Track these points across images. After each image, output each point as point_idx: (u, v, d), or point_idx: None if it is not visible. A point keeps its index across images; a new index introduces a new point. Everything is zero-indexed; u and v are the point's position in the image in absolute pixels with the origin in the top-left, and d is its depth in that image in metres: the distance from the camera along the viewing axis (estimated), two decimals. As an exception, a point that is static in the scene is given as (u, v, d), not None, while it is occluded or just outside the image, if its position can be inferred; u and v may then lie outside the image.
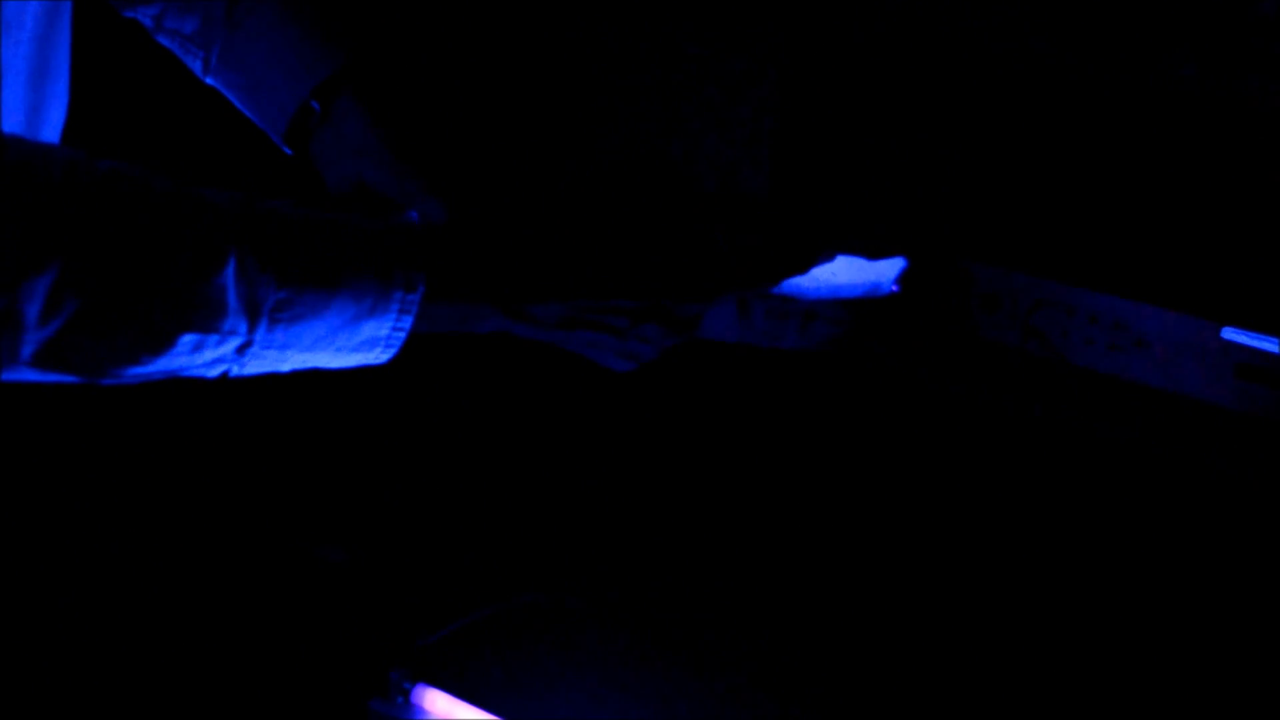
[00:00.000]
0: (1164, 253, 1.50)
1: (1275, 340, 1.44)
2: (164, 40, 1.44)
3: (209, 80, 1.43)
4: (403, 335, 1.13)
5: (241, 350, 1.08)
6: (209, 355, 1.08)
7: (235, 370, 1.10)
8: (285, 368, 1.13)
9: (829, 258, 1.39)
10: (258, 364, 1.11)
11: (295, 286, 1.08)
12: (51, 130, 1.28)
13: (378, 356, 1.14)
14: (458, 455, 1.75)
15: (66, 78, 1.29)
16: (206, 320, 1.06)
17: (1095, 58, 1.50)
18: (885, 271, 1.44)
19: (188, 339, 1.06)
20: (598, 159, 1.72)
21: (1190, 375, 1.48)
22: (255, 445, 1.77)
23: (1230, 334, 1.46)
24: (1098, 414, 1.53)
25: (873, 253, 1.42)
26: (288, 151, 1.41)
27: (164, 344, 1.05)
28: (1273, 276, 1.44)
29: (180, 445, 1.74)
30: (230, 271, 1.05)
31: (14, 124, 1.21)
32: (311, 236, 1.10)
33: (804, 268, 1.36)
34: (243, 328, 1.07)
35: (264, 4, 1.39)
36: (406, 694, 1.49)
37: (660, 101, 1.70)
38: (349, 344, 1.12)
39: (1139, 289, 1.51)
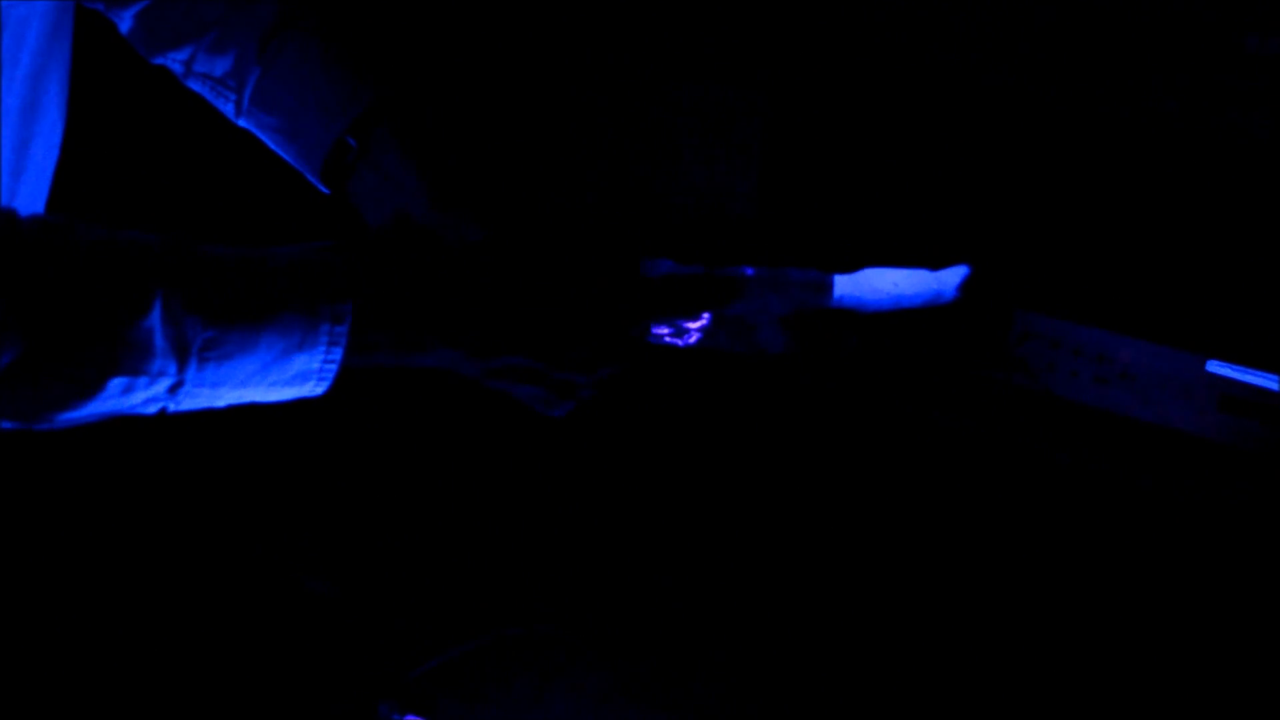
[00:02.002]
0: (1149, 286, 1.51)
1: (1259, 373, 1.45)
2: (194, 85, 1.43)
3: (241, 122, 1.42)
4: (334, 367, 1.13)
5: (173, 390, 1.09)
6: (140, 397, 1.08)
7: (171, 407, 1.10)
8: (221, 403, 1.13)
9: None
10: (192, 401, 1.11)
11: (222, 325, 1.08)
12: (37, 166, 1.28)
13: (312, 389, 1.14)
14: (446, 486, 1.75)
15: (61, 113, 1.29)
16: (135, 363, 1.06)
17: (1080, 92, 1.51)
18: (948, 280, 1.43)
19: (117, 382, 1.06)
20: (587, 186, 1.73)
21: (1175, 408, 1.49)
22: (241, 477, 1.76)
23: (1215, 367, 1.47)
24: (1083, 446, 1.53)
25: (935, 262, 1.42)
26: (325, 190, 1.40)
27: (94, 389, 1.06)
28: (1257, 310, 1.45)
29: (165, 475, 1.74)
30: (157, 314, 1.05)
31: (3, 160, 1.22)
32: (237, 275, 1.10)
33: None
34: (172, 369, 1.07)
35: (296, 41, 1.38)
36: (395, 726, 1.50)
37: (651, 132, 1.71)
38: (282, 378, 1.13)
39: (1124, 322, 1.51)
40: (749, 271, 1.37)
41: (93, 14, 1.42)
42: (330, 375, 1.14)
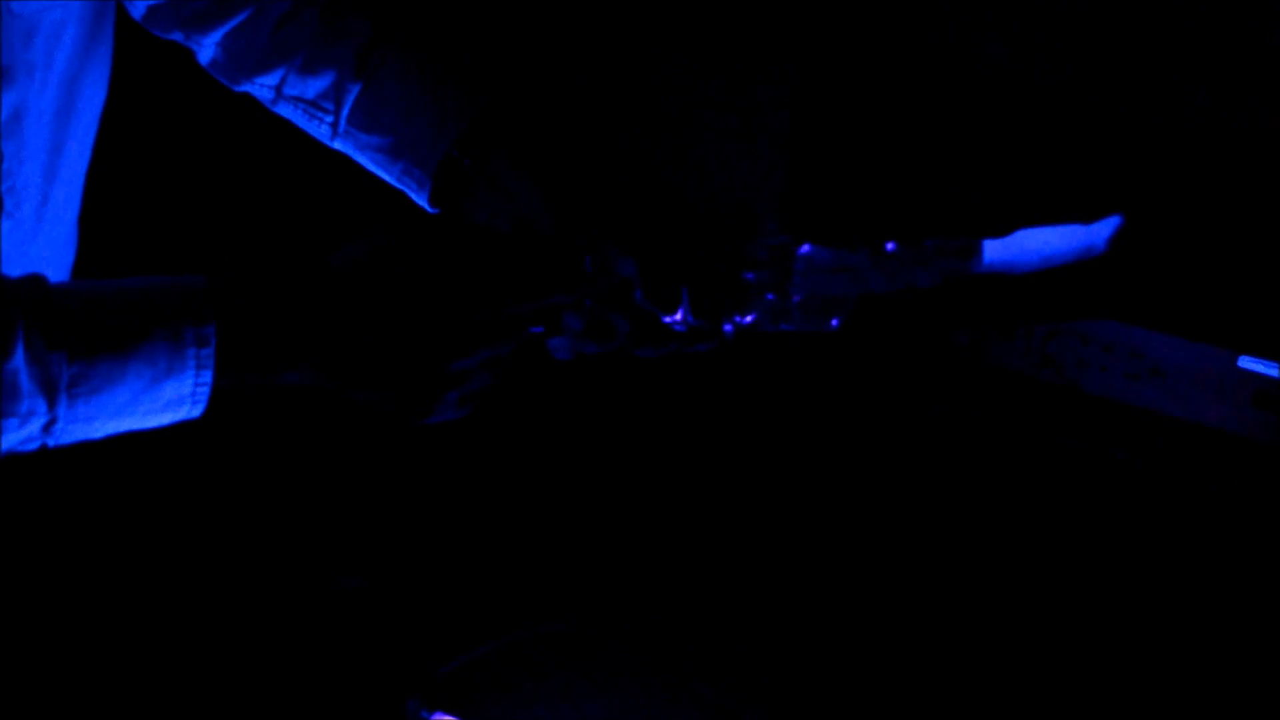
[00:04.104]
0: (1180, 281, 1.50)
1: (1293, 369, 1.45)
2: (284, 110, 1.39)
3: (336, 144, 1.38)
4: (207, 390, 1.12)
5: (48, 428, 1.08)
6: (14, 438, 1.07)
7: (50, 443, 1.10)
8: (99, 435, 1.12)
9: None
10: (69, 436, 1.10)
11: (87, 360, 1.07)
12: (70, 168, 1.28)
13: (188, 413, 1.13)
14: (476, 483, 1.75)
15: (95, 116, 1.28)
16: (3, 406, 1.05)
17: (1108, 87, 1.51)
18: (1099, 233, 1.40)
19: None
20: (617, 186, 1.73)
21: (1207, 404, 1.49)
22: (273, 474, 1.77)
23: (1247, 362, 1.47)
24: (1113, 442, 1.53)
25: (1088, 217, 1.39)
26: (430, 210, 1.36)
27: None
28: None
29: (198, 472, 1.74)
30: (20, 355, 1.05)
31: (35, 164, 1.21)
32: (97, 308, 1.09)
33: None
34: (41, 407, 1.06)
35: (395, 56, 1.35)
36: (424, 723, 1.50)
37: (681, 129, 1.71)
38: (155, 406, 1.12)
39: (1154, 318, 1.51)
40: (890, 246, 1.35)
41: (135, 23, 1.40)
42: (204, 398, 1.13)
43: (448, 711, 1.51)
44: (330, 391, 1.19)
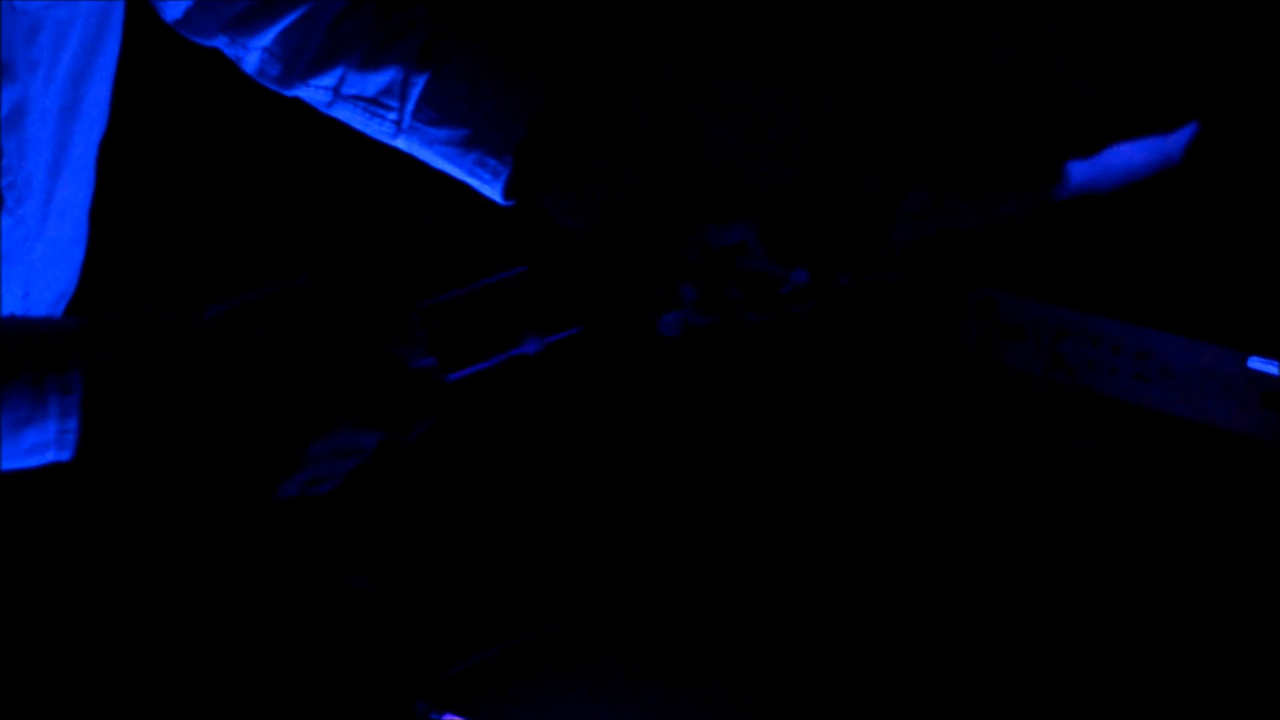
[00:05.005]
0: (1189, 281, 1.50)
1: (1302, 370, 1.44)
2: (341, 111, 1.35)
3: (399, 142, 1.34)
4: (73, 436, 1.08)
5: None
6: None
7: None
8: None
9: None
10: None
11: None
12: (76, 165, 1.28)
13: (56, 456, 1.09)
14: (484, 484, 1.75)
15: (103, 112, 1.28)
16: None
17: (1121, 86, 1.51)
18: (1176, 142, 1.38)
19: None
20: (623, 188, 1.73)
21: (1216, 405, 1.48)
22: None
23: (1257, 363, 1.46)
24: (1123, 444, 1.53)
25: (1166, 128, 1.35)
26: (503, 204, 1.33)
27: None
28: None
29: (205, 466, 1.75)
30: None
31: (38, 161, 1.21)
32: None
33: None
34: None
35: (459, 46, 1.31)
36: (433, 725, 1.50)
37: (687, 131, 1.70)
38: (17, 450, 1.08)
39: (1164, 318, 1.51)
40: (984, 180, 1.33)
41: (144, 20, 1.38)
42: (71, 443, 1.08)
43: (457, 713, 1.51)
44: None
